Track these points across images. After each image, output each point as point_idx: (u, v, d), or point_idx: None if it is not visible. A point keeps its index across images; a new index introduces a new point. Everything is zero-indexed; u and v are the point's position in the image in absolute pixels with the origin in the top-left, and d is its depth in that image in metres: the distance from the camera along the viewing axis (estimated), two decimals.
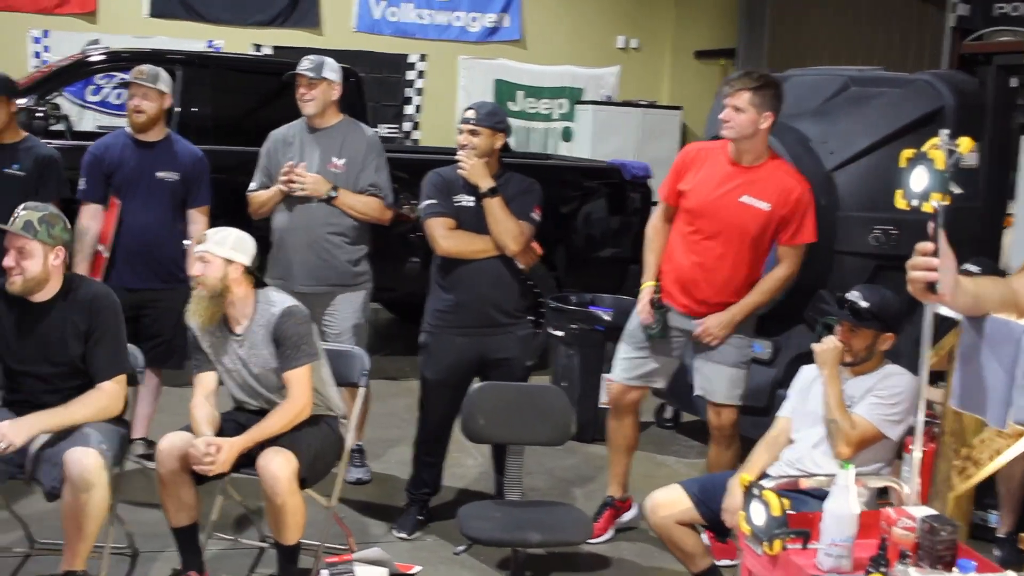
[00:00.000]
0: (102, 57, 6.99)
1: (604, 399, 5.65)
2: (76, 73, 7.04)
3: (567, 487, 5.37)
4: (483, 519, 3.82)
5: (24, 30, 10.49)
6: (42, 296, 3.81)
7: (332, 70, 4.86)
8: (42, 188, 5.14)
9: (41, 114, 6.30)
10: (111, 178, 5.02)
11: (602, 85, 12.25)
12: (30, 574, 4.08)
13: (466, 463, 5.42)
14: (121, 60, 6.71)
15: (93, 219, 5.04)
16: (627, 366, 4.63)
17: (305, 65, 4.84)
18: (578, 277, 7.20)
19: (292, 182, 4.77)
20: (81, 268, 4.94)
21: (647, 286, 4.53)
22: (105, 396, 3.82)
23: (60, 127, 6.56)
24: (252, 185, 5.00)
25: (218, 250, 3.90)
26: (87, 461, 3.54)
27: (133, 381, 4.08)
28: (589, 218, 7.54)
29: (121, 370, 3.88)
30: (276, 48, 10.84)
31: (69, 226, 3.88)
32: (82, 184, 5.10)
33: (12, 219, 3.74)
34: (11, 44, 10.41)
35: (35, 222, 3.74)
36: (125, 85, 5.07)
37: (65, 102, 7.17)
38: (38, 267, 3.74)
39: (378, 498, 5.04)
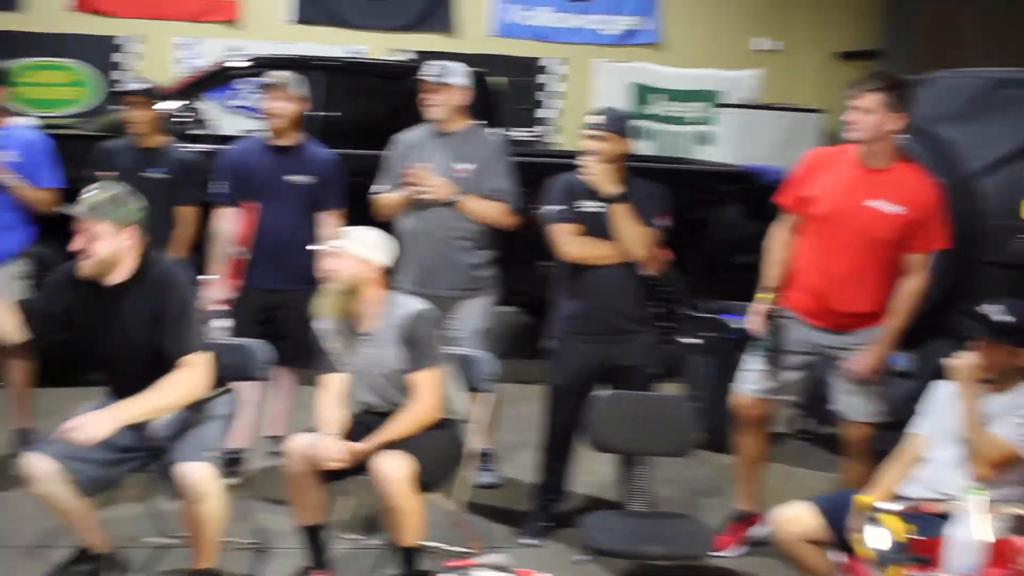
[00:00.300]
0: (245, 63, 7.17)
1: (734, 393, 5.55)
2: (219, 79, 7.23)
3: (699, 498, 5.28)
4: (605, 529, 3.79)
5: (169, 37, 10.85)
6: (115, 279, 3.71)
7: (457, 75, 4.85)
8: (181, 191, 5.29)
9: (184, 119, 6.49)
10: (246, 182, 5.11)
11: (743, 88, 12.02)
12: (163, 565, 4.18)
13: (597, 470, 5.36)
14: (263, 66, 6.84)
15: (227, 222, 5.14)
16: (754, 379, 4.52)
17: (429, 70, 4.85)
18: (712, 284, 7.07)
19: (417, 186, 4.80)
20: (216, 270, 5.08)
21: (762, 297, 4.43)
22: (183, 379, 3.66)
23: (201, 131, 6.74)
24: (379, 187, 5.04)
25: (355, 248, 3.94)
26: (196, 475, 3.59)
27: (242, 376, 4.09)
28: (724, 223, 7.41)
29: (192, 348, 3.68)
30: (419, 53, 10.97)
31: (142, 205, 3.77)
32: (217, 188, 5.21)
33: (79, 200, 3.67)
34: (156, 51, 10.79)
35: (103, 202, 3.65)
36: (262, 90, 5.16)
37: (207, 107, 7.35)
38: (108, 248, 3.64)
39: (506, 502, 5.04)
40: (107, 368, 3.89)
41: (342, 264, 3.93)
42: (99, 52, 10.76)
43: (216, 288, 5.07)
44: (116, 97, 5.55)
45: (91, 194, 3.69)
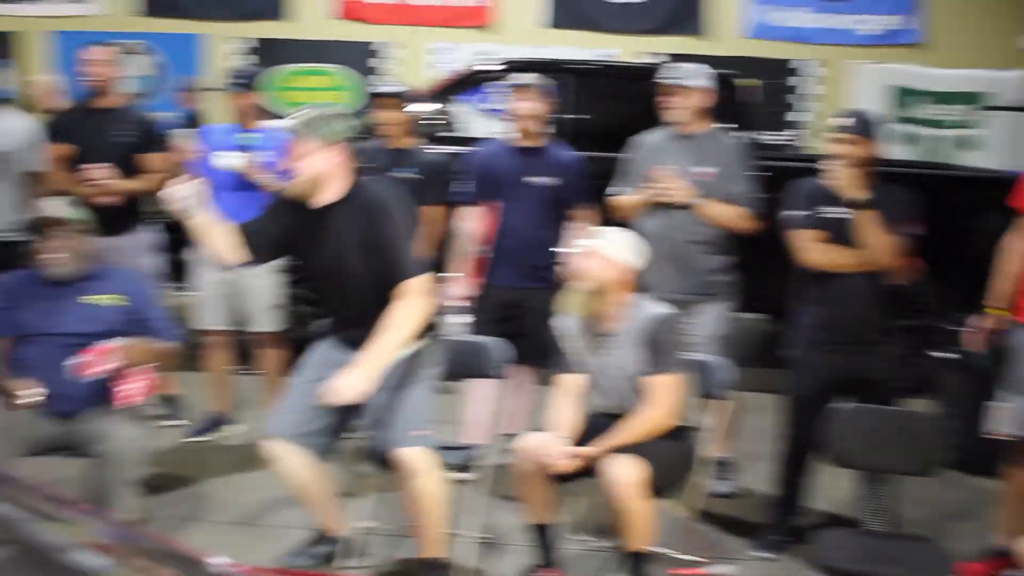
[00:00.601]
0: (495, 66, 7.29)
1: (990, 428, 5.24)
2: (470, 82, 7.39)
3: (947, 522, 4.97)
4: (840, 547, 3.66)
5: (423, 42, 11.18)
6: (324, 199, 3.66)
7: (697, 77, 4.79)
8: (428, 191, 5.44)
9: (433, 121, 6.67)
10: (490, 182, 5.21)
11: (1013, 89, 11.33)
12: (395, 553, 4.29)
13: (839, 485, 5.18)
14: (513, 69, 6.94)
15: (468, 221, 5.26)
16: (1011, 414, 4.22)
17: (667, 73, 4.82)
18: (971, 296, 6.69)
19: (658, 188, 4.76)
20: (457, 268, 5.19)
21: (989, 312, 4.18)
22: (407, 310, 3.57)
23: (450, 133, 6.91)
24: (617, 189, 5.02)
25: (607, 249, 3.94)
26: (407, 457, 3.67)
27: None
28: (985, 233, 6.98)
29: (410, 274, 3.59)
30: (671, 56, 10.87)
31: (353, 124, 3.72)
32: (461, 187, 5.33)
33: (291, 119, 3.65)
34: (413, 56, 11.14)
35: (309, 120, 3.61)
36: (510, 92, 5.23)
37: (459, 110, 7.53)
38: (316, 165, 3.59)
39: (741, 513, 4.93)
40: (327, 295, 3.88)
41: (592, 264, 3.93)
42: (359, 58, 11.21)
43: (458, 286, 5.19)
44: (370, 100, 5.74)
45: (299, 113, 3.69)
